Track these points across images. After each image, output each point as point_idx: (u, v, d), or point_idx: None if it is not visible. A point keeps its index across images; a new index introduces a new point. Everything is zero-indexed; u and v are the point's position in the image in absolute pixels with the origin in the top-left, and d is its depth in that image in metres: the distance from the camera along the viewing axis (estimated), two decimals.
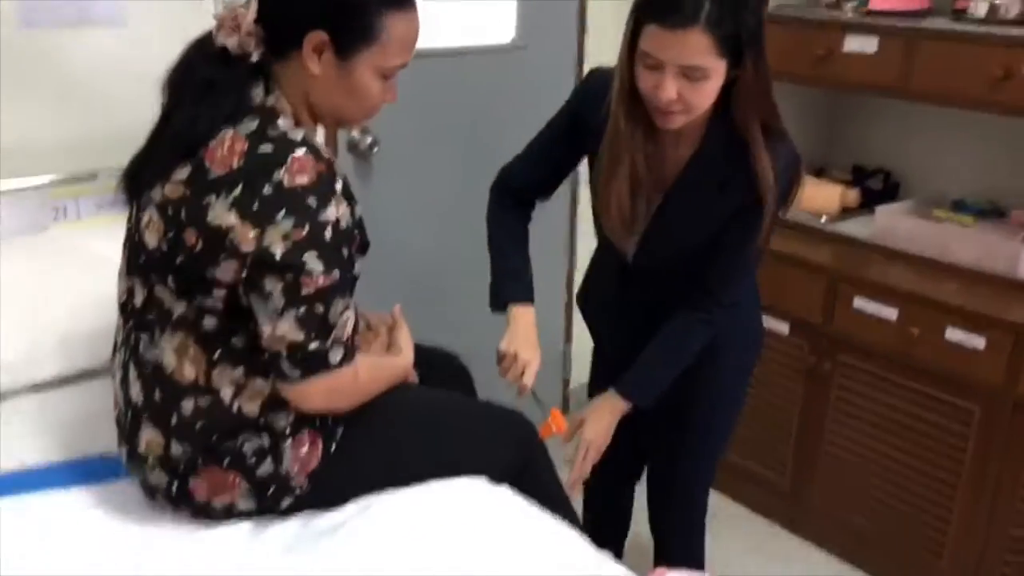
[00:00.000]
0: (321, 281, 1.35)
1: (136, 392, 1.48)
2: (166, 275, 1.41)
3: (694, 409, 1.92)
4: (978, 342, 2.29)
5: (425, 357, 1.87)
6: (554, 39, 2.96)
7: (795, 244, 2.72)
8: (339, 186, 1.39)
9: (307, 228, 1.33)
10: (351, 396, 1.50)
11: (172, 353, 1.44)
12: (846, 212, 2.85)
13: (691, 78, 1.51)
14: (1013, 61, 2.22)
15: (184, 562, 1.41)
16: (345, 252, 1.39)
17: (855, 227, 2.75)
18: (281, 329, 1.36)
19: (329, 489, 1.52)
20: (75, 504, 1.53)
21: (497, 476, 1.64)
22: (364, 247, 1.54)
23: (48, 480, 1.58)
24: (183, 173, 1.38)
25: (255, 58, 1.40)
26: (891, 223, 2.64)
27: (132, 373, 1.49)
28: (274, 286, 1.34)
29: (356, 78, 1.42)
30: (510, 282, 1.81)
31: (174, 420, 1.44)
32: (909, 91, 2.46)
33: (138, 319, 1.47)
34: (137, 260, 1.46)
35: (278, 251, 1.32)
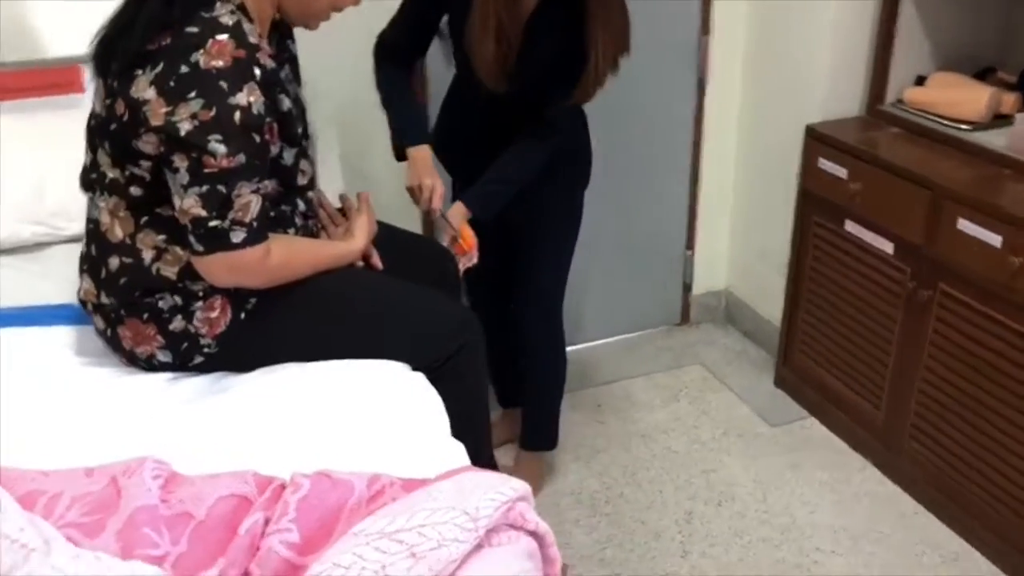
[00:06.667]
0: (224, 163, 1.41)
1: (82, 245, 1.64)
2: (104, 140, 1.53)
3: (539, 217, 2.23)
4: None
5: (408, 246, 1.90)
6: None
7: (916, 154, 2.39)
8: (258, 73, 1.43)
9: (215, 110, 1.39)
10: (260, 275, 1.55)
11: (107, 213, 1.57)
12: (1000, 119, 2.45)
13: None
14: None
15: (102, 401, 1.57)
16: (256, 138, 1.45)
17: (998, 138, 2.37)
18: (186, 203, 1.45)
19: (240, 353, 1.62)
20: (49, 340, 1.73)
21: (420, 363, 1.65)
22: (293, 139, 1.59)
23: (40, 318, 1.79)
24: None
25: None
26: None
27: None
28: (181, 162, 1.42)
29: None
30: (404, 130, 2.06)
31: (103, 273, 1.59)
32: None
33: (86, 179, 1.62)
34: (88, 124, 1.59)
35: (184, 128, 1.39)
